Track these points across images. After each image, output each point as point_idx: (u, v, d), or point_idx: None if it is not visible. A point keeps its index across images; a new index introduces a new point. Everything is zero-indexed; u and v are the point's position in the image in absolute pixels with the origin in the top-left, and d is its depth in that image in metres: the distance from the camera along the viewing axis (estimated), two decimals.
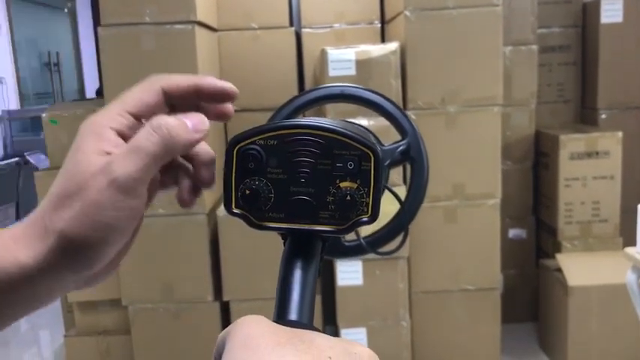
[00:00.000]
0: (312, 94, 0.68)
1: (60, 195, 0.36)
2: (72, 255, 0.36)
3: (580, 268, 2.50)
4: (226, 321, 2.32)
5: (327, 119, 0.42)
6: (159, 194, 0.43)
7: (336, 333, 2.37)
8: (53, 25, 6.97)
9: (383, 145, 0.67)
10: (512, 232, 2.94)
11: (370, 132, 0.60)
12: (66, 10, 7.12)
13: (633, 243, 1.86)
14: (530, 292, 2.93)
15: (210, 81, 0.41)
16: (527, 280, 2.94)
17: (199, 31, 2.19)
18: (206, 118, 0.39)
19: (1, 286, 0.36)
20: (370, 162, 0.40)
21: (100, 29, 2.14)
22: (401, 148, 0.67)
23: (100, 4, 2.13)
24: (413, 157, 0.68)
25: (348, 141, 0.40)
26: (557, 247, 2.70)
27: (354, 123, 0.57)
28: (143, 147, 0.35)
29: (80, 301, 2.46)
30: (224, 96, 0.41)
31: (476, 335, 2.43)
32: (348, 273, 2.29)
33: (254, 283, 2.26)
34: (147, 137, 0.36)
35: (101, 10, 2.13)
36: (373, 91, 0.68)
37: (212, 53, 2.49)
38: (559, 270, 2.53)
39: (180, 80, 0.40)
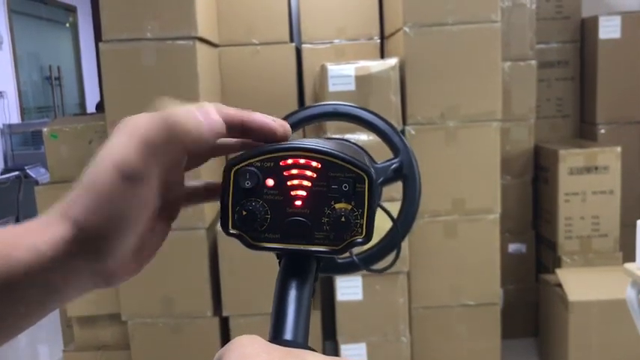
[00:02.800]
0: (305, 113, 0.69)
1: (79, 186, 0.37)
2: (84, 244, 0.37)
3: (580, 283, 2.50)
4: (225, 336, 2.31)
5: (323, 141, 0.43)
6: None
7: (335, 348, 2.36)
8: (55, 40, 7.01)
9: (376, 163, 0.67)
10: (512, 247, 2.94)
11: (365, 151, 0.61)
12: (67, 24, 7.16)
13: (633, 258, 1.86)
14: (530, 308, 2.92)
15: (258, 118, 0.41)
16: (527, 295, 2.93)
17: (200, 47, 2.20)
18: (220, 121, 0.39)
19: (17, 275, 0.36)
20: (364, 184, 0.41)
21: (101, 44, 2.16)
22: (394, 165, 0.68)
23: (101, 19, 2.15)
24: (405, 175, 0.69)
25: (343, 164, 0.41)
26: (557, 262, 2.70)
27: (349, 143, 0.57)
28: (143, 133, 0.36)
29: (79, 316, 2.46)
30: (270, 134, 0.41)
31: (476, 351, 2.42)
32: (348, 288, 2.29)
33: (254, 298, 2.26)
34: (150, 125, 0.36)
35: (102, 26, 2.15)
36: (366, 110, 0.69)
37: (213, 68, 2.50)
38: (559, 285, 2.52)
39: (229, 111, 0.41)
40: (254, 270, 2.23)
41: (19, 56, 5.95)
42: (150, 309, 2.28)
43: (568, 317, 2.41)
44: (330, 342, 2.45)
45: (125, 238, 0.37)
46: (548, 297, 2.67)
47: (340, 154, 0.41)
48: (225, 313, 2.31)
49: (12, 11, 5.74)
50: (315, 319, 2.35)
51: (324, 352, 0.34)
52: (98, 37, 2.17)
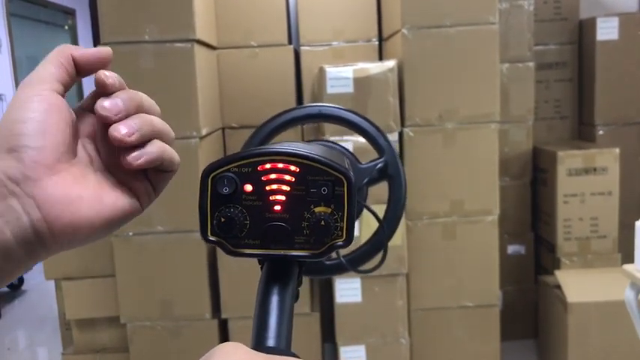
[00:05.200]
0: (290, 115, 0.69)
1: None
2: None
3: (579, 285, 2.50)
4: (224, 339, 2.31)
5: (303, 144, 0.43)
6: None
7: (334, 350, 2.36)
8: (54, 43, 7.00)
9: (360, 164, 0.67)
10: (511, 249, 2.94)
11: (349, 153, 0.61)
12: (66, 27, 7.16)
13: (631, 259, 1.86)
14: (529, 309, 2.92)
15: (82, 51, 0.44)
16: (527, 296, 2.93)
17: (198, 50, 2.20)
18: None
19: None
20: (343, 187, 0.41)
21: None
22: (379, 166, 0.68)
23: (99, 23, 2.15)
24: (390, 175, 0.69)
25: (321, 167, 0.40)
26: (556, 264, 2.70)
27: (332, 144, 0.57)
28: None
29: (78, 319, 2.45)
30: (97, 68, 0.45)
31: (475, 352, 2.41)
32: (347, 290, 2.29)
33: (252, 300, 2.24)
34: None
35: (101, 29, 2.15)
36: (351, 111, 0.69)
37: (211, 71, 2.50)
38: (558, 286, 2.52)
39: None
40: (253, 272, 2.21)
41: (18, 59, 5.95)
42: (149, 312, 2.28)
43: (567, 319, 2.41)
44: (330, 344, 2.45)
45: (42, 137, 0.40)
46: (547, 298, 2.67)
47: (318, 157, 0.41)
48: (224, 316, 2.31)
49: (11, 14, 5.74)
50: (315, 321, 2.35)
51: (324, 355, 0.33)
52: (97, 40, 2.18)
